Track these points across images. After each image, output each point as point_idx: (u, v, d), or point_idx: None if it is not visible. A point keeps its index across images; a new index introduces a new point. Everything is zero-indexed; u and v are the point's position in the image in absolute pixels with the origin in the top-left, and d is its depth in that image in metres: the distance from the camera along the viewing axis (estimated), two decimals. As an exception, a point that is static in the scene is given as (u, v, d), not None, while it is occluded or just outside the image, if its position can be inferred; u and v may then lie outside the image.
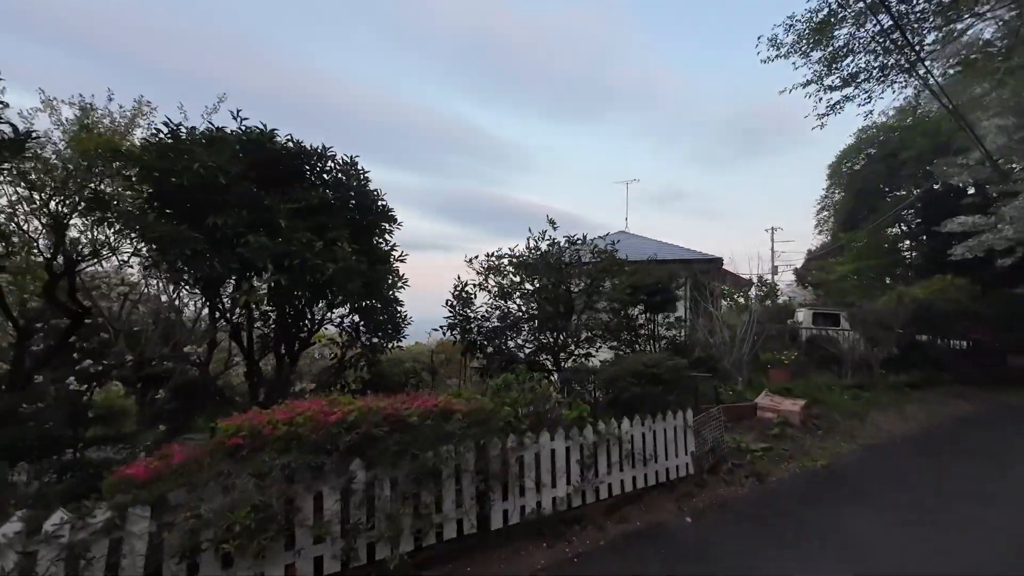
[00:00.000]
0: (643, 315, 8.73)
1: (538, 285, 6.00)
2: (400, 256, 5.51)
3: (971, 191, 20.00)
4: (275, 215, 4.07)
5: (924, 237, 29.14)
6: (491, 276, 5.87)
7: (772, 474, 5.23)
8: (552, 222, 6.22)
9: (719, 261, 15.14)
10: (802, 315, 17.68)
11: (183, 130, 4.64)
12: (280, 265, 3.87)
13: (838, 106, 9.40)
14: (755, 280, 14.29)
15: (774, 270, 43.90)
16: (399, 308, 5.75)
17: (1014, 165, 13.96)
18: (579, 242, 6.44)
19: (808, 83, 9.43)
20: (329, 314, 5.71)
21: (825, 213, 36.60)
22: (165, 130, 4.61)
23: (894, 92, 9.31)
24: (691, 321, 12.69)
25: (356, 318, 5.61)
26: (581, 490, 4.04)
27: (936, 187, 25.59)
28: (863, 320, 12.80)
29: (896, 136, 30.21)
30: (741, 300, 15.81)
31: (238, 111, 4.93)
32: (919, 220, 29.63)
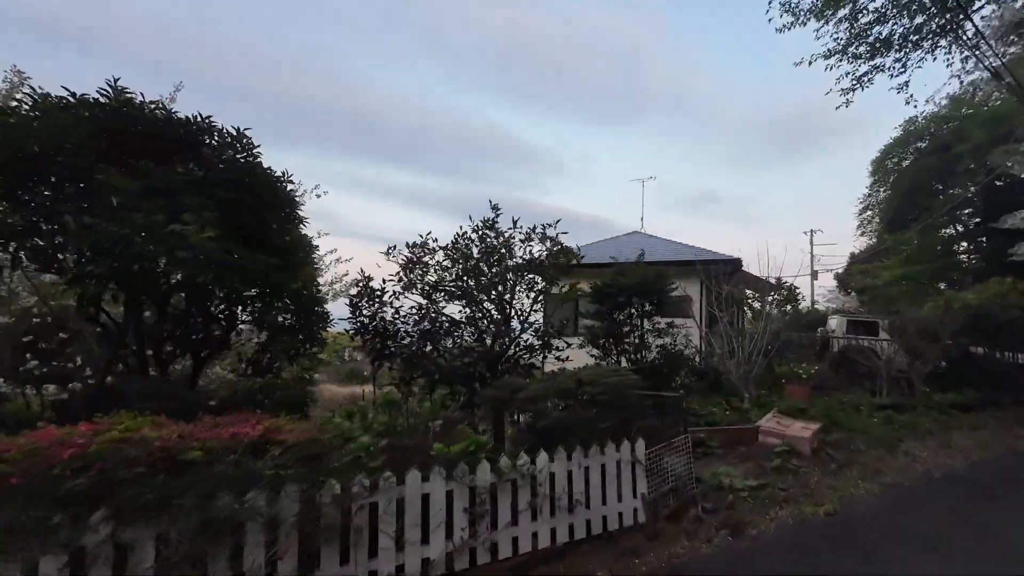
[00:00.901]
0: (635, 319, 7.59)
1: (470, 282, 5.03)
2: (311, 255, 4.74)
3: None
4: (115, 194, 3.35)
5: (984, 238, 26.25)
6: (415, 270, 4.95)
7: (755, 524, 4.02)
8: (495, 207, 5.19)
9: (737, 263, 13.71)
10: (835, 323, 15.83)
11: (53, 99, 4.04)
12: (102, 251, 3.14)
13: (866, 78, 8.00)
14: (773, 282, 12.74)
15: (813, 275, 41.03)
16: (318, 311, 4.94)
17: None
18: (505, 230, 5.17)
19: (831, 54, 8.08)
20: (242, 316, 4.97)
21: (869, 213, 33.80)
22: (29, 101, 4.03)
23: (934, 60, 7.83)
24: (703, 329, 11.37)
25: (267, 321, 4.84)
26: (469, 547, 3.03)
27: (998, 183, 22.92)
28: (904, 329, 11.09)
29: (950, 128, 27.45)
30: (757, 305, 14.30)
31: (115, 79, 4.28)
32: (978, 219, 26.70)
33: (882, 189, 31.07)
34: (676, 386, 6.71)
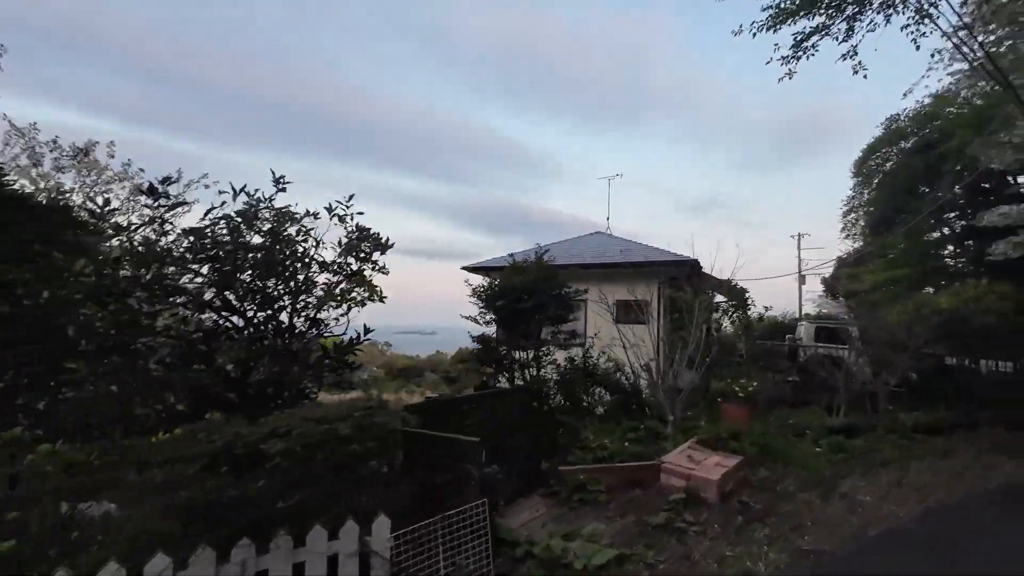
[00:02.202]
0: (532, 328, 6.29)
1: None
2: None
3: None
4: None
5: (970, 240, 25.07)
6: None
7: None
8: (237, 190, 3.71)
9: (695, 264, 12.48)
10: (803, 330, 14.63)
11: None
12: None
13: (807, 45, 6.79)
14: (739, 286, 11.46)
15: (801, 279, 39.87)
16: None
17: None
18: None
19: (768, 10, 6.81)
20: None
21: (853, 215, 32.65)
22: None
23: (887, 23, 6.61)
24: (658, 338, 10.08)
25: None
26: None
27: (985, 185, 21.78)
28: (868, 338, 9.85)
29: (936, 127, 26.34)
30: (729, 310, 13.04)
31: None
32: (964, 221, 25.55)
33: (866, 191, 29.93)
34: (549, 411, 5.41)
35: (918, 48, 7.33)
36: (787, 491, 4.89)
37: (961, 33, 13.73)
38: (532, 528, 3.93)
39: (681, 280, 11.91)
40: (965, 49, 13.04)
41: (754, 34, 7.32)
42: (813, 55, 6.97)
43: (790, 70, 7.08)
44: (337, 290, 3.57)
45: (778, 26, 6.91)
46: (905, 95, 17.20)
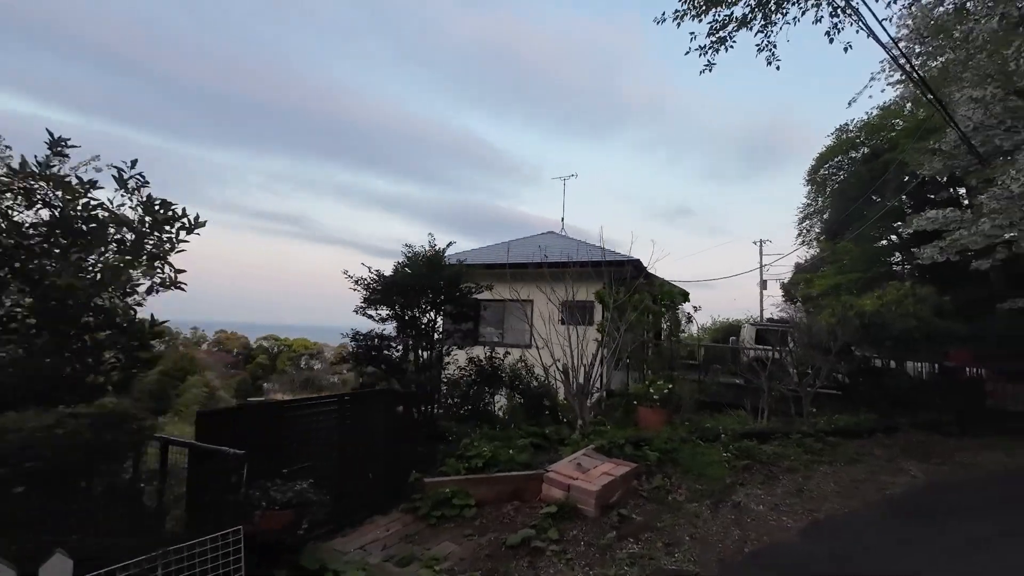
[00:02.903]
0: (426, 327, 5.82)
1: None
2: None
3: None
4: None
5: (915, 247, 25.91)
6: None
7: None
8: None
9: (638, 264, 12.28)
10: (745, 332, 14.63)
11: None
12: None
13: (724, 36, 6.59)
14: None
15: (763, 284, 40.69)
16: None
17: (1000, 142, 10.93)
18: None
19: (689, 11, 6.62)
20: None
21: (808, 222, 33.43)
22: None
23: (801, 14, 6.46)
24: (603, 338, 9.76)
25: None
26: None
27: (932, 196, 22.55)
28: (798, 340, 9.78)
29: (882, 137, 27.26)
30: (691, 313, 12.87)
31: None
32: (909, 228, 26.45)
33: (819, 198, 30.71)
34: (430, 416, 4.95)
35: (846, 50, 7.18)
36: (676, 501, 4.56)
37: (902, 45, 14.02)
38: (371, 551, 3.46)
39: (627, 281, 11.69)
40: (903, 61, 13.29)
41: (678, 24, 7.09)
42: (731, 47, 6.76)
43: (709, 61, 6.85)
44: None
45: (700, 16, 6.70)
46: (850, 104, 17.45)
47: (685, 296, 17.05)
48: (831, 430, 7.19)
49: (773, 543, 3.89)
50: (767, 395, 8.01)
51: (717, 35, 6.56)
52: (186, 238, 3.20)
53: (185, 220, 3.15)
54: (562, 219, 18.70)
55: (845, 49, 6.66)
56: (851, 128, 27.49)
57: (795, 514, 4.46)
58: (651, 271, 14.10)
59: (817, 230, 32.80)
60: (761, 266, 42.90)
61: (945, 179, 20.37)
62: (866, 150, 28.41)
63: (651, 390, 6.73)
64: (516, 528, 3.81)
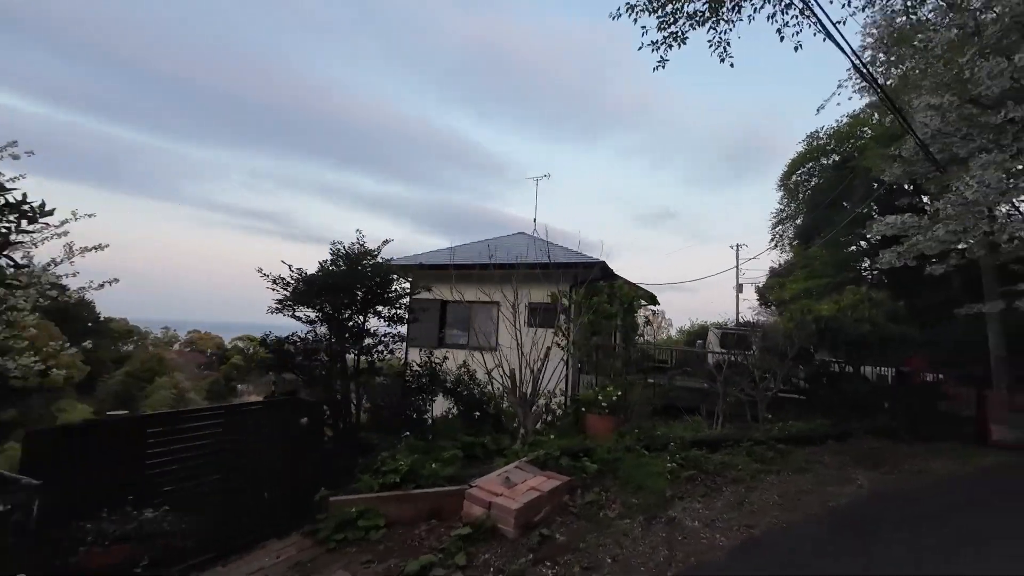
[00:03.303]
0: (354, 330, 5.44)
1: None
2: None
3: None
4: None
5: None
6: None
7: None
8: None
9: (602, 266, 12.08)
10: (711, 336, 14.59)
11: None
12: None
13: (676, 32, 6.40)
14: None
15: (739, 288, 41.10)
16: None
17: (957, 149, 11.02)
18: None
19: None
20: None
21: (781, 227, 33.91)
22: None
23: (756, 11, 6.31)
24: (568, 342, 9.47)
25: None
26: None
27: (898, 204, 23.01)
28: (757, 344, 9.67)
29: (852, 144, 27.79)
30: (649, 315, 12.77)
31: None
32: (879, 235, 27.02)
33: (792, 204, 31.16)
34: (349, 427, 4.59)
35: (797, 49, 7.04)
36: (608, 518, 4.27)
37: (868, 53, 14.14)
38: (251, 583, 3.08)
39: (587, 283, 11.48)
40: (856, 61, 13.33)
41: (634, 19, 6.87)
42: (684, 43, 6.56)
43: (662, 57, 6.64)
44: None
45: (656, 11, 6.50)
46: (818, 111, 17.61)
47: (653, 299, 16.94)
48: (783, 437, 7.03)
49: (700, 563, 3.62)
50: (722, 400, 7.83)
51: (668, 30, 6.36)
52: (29, 228, 2.79)
53: (28, 208, 2.74)
54: (534, 220, 18.46)
55: (796, 48, 6.52)
56: (821, 135, 27.99)
57: (731, 530, 4.21)
58: (618, 273, 13.93)
59: (790, 235, 33.38)
60: (737, 269, 43.38)
61: (912, 187, 20.76)
62: (836, 157, 29.00)
63: (599, 397, 6.45)
64: (423, 552, 3.47)
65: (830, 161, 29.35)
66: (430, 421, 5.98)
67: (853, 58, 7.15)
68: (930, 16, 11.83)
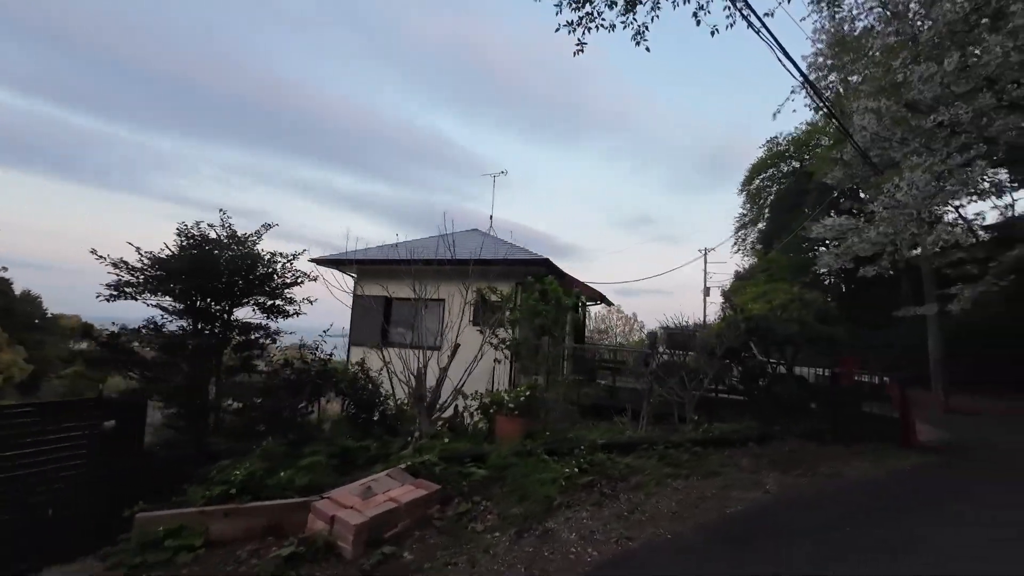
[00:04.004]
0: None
1: None
2: None
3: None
4: None
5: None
6: None
7: None
8: None
9: (545, 263, 11.76)
10: (659, 336, 14.43)
11: None
12: None
13: (591, 12, 6.10)
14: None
15: (706, 291, 41.59)
16: None
17: (895, 154, 11.06)
18: None
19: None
20: None
21: (743, 231, 34.39)
22: None
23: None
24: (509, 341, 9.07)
25: None
26: None
27: (855, 211, 23.52)
28: (691, 344, 9.47)
29: (810, 152, 28.34)
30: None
31: None
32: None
33: (753, 209, 31.63)
34: (199, 432, 4.10)
35: (713, 34, 6.74)
36: (475, 532, 3.86)
37: (819, 60, 14.17)
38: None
39: (528, 281, 11.16)
40: (794, 63, 13.33)
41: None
42: (601, 26, 6.23)
43: (579, 40, 6.30)
44: None
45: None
46: (774, 116, 17.66)
47: (603, 300, 16.70)
48: (704, 439, 6.78)
49: (559, 583, 3.24)
50: (647, 401, 7.56)
51: (583, 10, 6.02)
52: None
53: None
54: (491, 217, 18.07)
55: (712, 33, 6.24)
56: (780, 141, 28.43)
57: (607, 543, 3.85)
58: (567, 272, 13.61)
59: (752, 239, 33.90)
60: (705, 273, 43.89)
61: (862, 192, 21.20)
62: (796, 164, 29.56)
63: (506, 398, 6.06)
64: (247, 568, 2.99)
65: (790, 167, 29.95)
66: (322, 424, 5.48)
67: (777, 50, 6.94)
68: (877, 25, 11.93)
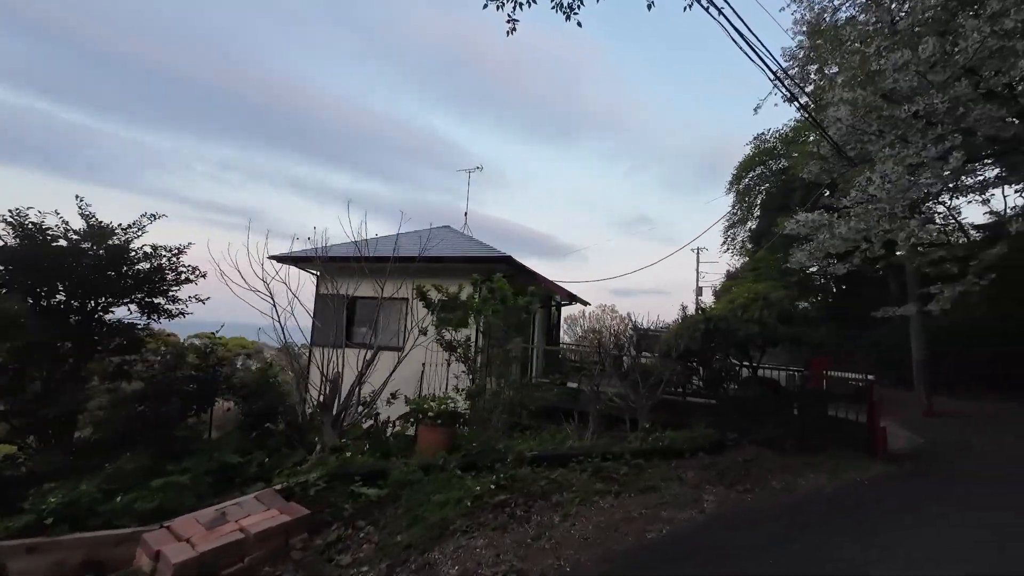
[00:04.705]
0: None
1: None
2: None
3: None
4: None
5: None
6: None
7: None
8: None
9: (506, 260, 11.23)
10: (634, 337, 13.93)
11: None
12: None
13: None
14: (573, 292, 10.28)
15: (699, 291, 41.10)
16: None
17: (872, 147, 10.51)
18: None
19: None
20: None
21: (733, 231, 33.77)
22: None
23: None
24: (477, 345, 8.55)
25: None
26: None
27: (833, 210, 23.02)
28: (649, 347, 8.95)
29: (795, 148, 27.77)
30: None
31: None
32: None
33: (742, 207, 31.02)
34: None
35: (686, 10, 6.22)
36: (339, 565, 3.35)
37: (802, 53, 13.64)
38: None
39: (511, 277, 10.73)
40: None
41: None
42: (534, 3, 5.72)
43: (510, 16, 5.79)
44: None
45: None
46: (756, 111, 17.03)
47: (574, 300, 16.15)
48: (649, 450, 6.26)
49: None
50: (594, 407, 7.04)
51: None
52: None
53: None
54: (465, 214, 17.55)
55: (685, 8, 5.69)
56: (768, 138, 27.83)
57: (492, 578, 3.33)
58: (534, 270, 13.06)
59: (742, 238, 33.25)
60: (697, 273, 43.44)
61: (839, 187, 20.71)
62: (784, 162, 28.98)
63: (424, 406, 5.54)
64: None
65: (779, 165, 29.37)
66: (207, 434, 4.96)
67: (731, 31, 6.40)
68: (858, 15, 11.43)
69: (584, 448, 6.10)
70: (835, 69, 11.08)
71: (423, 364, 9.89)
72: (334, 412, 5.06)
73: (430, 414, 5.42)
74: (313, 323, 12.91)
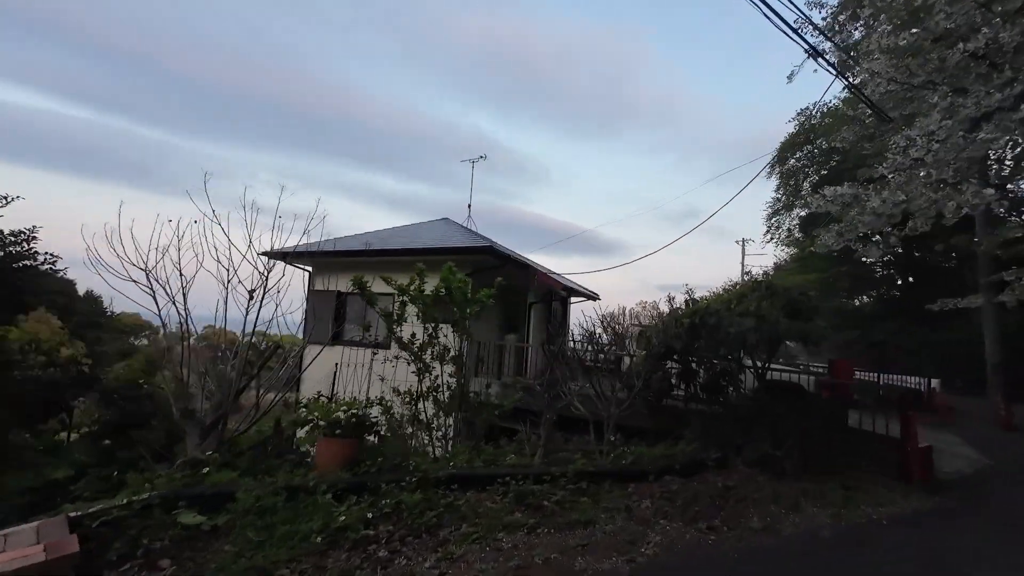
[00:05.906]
0: None
1: None
2: None
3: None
4: None
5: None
6: None
7: None
8: None
9: (487, 250, 10.29)
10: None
11: None
12: None
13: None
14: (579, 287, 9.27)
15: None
16: None
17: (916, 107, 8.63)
18: None
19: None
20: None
21: (777, 219, 30.66)
22: None
23: None
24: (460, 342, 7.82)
25: None
26: None
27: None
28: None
29: (846, 128, 24.70)
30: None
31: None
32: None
33: (785, 192, 28.03)
34: None
35: None
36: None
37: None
38: None
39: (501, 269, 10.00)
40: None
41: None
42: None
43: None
44: None
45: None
46: (790, 79, 14.99)
47: (571, 294, 14.87)
48: (602, 471, 5.11)
49: None
50: (544, 416, 5.96)
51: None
52: None
53: None
54: (469, 206, 16.77)
55: None
56: (814, 114, 24.90)
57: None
58: (529, 262, 12.01)
59: (791, 226, 29.99)
60: (742, 265, 40.52)
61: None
62: (835, 143, 25.84)
63: (316, 414, 4.71)
64: None
65: (829, 145, 26.23)
66: (65, 440, 4.41)
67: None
68: None
69: (522, 466, 5.07)
70: (868, 11, 9.19)
71: (336, 364, 9.28)
72: (208, 420, 4.37)
73: (321, 423, 4.59)
74: (306, 320, 12.56)
